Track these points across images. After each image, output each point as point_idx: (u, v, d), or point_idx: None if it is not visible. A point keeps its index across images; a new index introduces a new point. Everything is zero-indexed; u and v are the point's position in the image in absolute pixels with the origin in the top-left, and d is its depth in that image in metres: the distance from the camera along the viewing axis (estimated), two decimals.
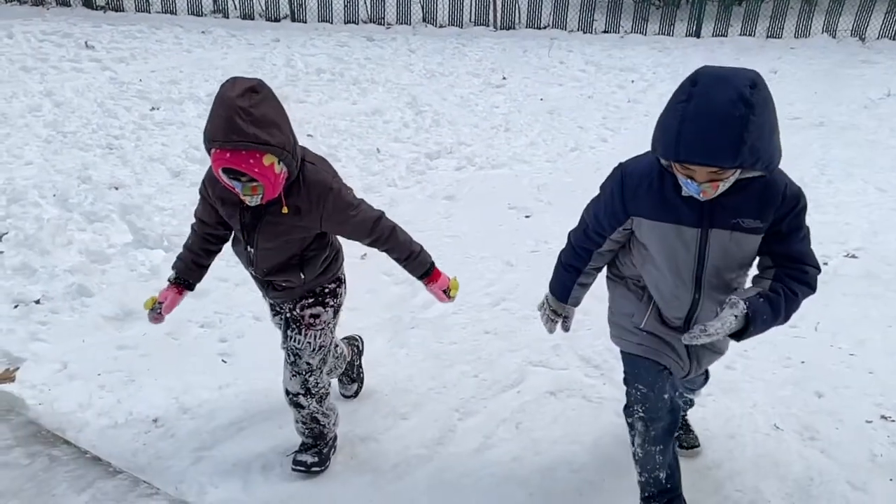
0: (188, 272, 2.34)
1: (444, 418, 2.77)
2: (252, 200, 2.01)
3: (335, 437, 2.56)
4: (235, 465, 2.50)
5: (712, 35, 11.24)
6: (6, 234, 4.04)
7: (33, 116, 6.13)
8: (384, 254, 2.32)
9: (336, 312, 2.39)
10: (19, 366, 2.98)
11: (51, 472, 2.20)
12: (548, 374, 3.07)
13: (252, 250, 2.19)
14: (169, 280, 2.35)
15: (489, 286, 3.81)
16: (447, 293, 2.40)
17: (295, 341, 2.32)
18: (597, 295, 3.65)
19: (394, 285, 3.81)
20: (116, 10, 11.14)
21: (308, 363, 2.34)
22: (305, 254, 2.22)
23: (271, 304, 2.47)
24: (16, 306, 3.39)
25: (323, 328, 2.34)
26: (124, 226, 4.20)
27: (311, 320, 2.32)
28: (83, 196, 4.55)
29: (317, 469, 2.44)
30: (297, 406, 2.40)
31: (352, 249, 4.14)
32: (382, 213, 2.26)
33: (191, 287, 2.36)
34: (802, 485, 2.43)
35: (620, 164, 2.07)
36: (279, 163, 1.95)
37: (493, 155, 5.94)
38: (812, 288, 1.89)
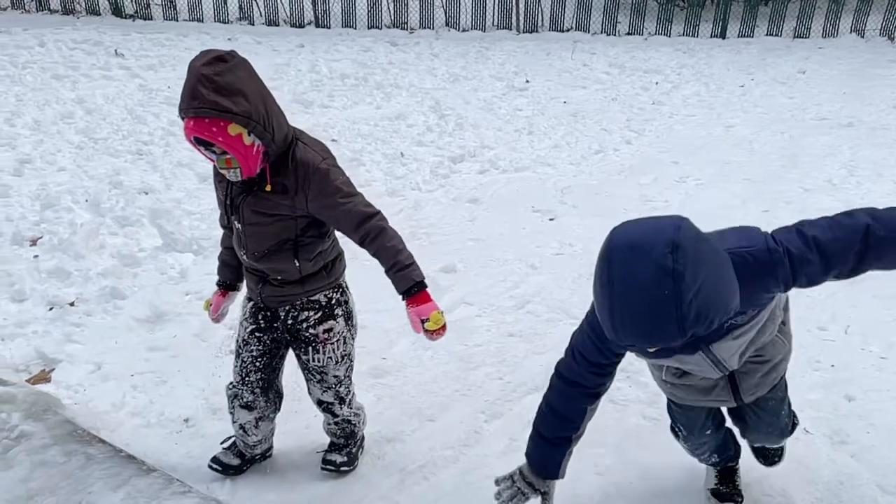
0: (222, 273, 2.39)
1: (470, 420, 2.79)
2: (230, 174, 1.95)
3: (363, 438, 2.59)
4: (264, 465, 2.54)
5: (738, 36, 11.13)
6: (41, 238, 4.15)
7: (65, 123, 6.27)
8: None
9: (348, 320, 2.31)
10: (55, 367, 3.06)
11: (87, 469, 2.25)
12: None
13: (239, 227, 2.11)
14: (216, 284, 2.42)
15: (513, 289, 3.82)
16: (424, 323, 2.08)
17: (316, 361, 2.28)
18: None
19: None
20: (145, 19, 11.35)
21: (336, 376, 2.33)
22: (300, 239, 2.10)
23: (256, 313, 2.29)
24: (51, 308, 3.48)
25: (339, 339, 2.28)
26: (154, 230, 4.29)
27: (326, 335, 2.25)
28: (114, 201, 4.64)
29: (346, 469, 2.47)
30: (331, 413, 2.41)
31: None
32: (378, 212, 2.12)
33: (231, 287, 2.40)
34: (832, 488, 2.40)
35: (587, 317, 1.82)
36: (249, 134, 1.88)
37: (517, 158, 5.94)
38: (868, 218, 1.60)
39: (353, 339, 2.36)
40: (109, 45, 9.16)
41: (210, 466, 2.46)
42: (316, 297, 2.23)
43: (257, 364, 2.31)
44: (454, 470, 2.53)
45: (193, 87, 1.81)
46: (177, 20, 11.34)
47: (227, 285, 2.40)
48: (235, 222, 2.13)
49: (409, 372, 3.10)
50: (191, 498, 2.16)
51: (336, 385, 2.34)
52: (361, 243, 2.11)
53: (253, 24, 11.48)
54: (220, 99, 1.81)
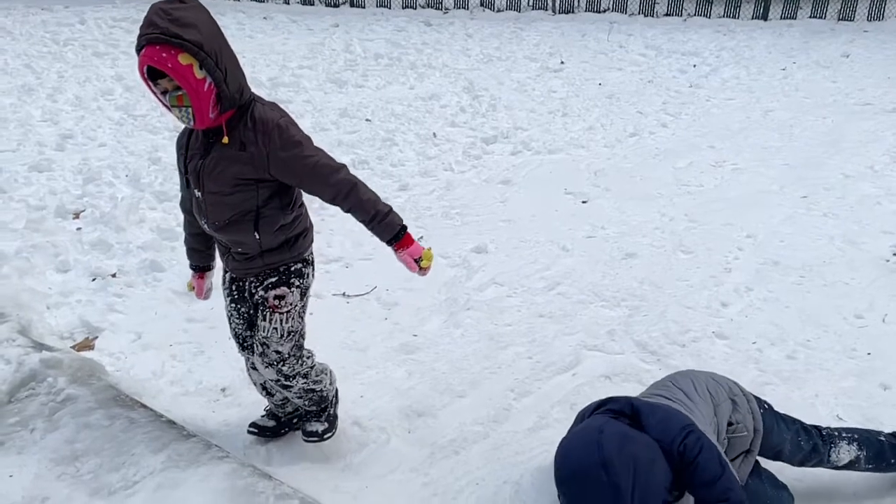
0: (193, 258, 2.44)
1: (500, 397, 2.82)
2: (182, 115, 1.94)
3: (336, 392, 2.52)
4: (298, 433, 2.60)
5: (780, 18, 10.86)
6: (83, 211, 4.27)
7: (105, 100, 6.40)
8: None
9: (303, 295, 2.26)
10: (98, 335, 3.16)
11: (130, 433, 2.34)
12: (603, 358, 3.08)
13: (200, 195, 2.09)
14: (191, 268, 2.47)
15: (544, 270, 3.83)
16: (419, 262, 2.17)
17: (262, 329, 2.22)
18: (653, 281, 3.66)
19: (449, 268, 3.87)
20: None
21: (277, 352, 2.23)
22: (262, 210, 2.08)
23: (230, 284, 2.34)
24: (94, 279, 3.59)
25: (289, 310, 2.22)
26: None
27: (276, 302, 2.20)
28: (153, 176, 4.75)
29: (328, 435, 2.44)
30: (284, 388, 2.35)
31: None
32: (343, 165, 2.08)
33: (206, 268, 2.46)
34: (865, 477, 2.39)
35: None
36: (200, 68, 1.88)
37: (550, 140, 5.91)
38: None
39: (301, 317, 2.28)
40: None
41: (248, 431, 2.53)
42: (275, 266, 2.22)
43: (249, 332, 2.38)
44: (484, 445, 2.57)
45: (150, 19, 1.87)
46: None
47: (201, 268, 2.46)
48: (196, 191, 2.10)
49: (439, 349, 3.14)
50: (228, 463, 2.23)
51: (278, 363, 2.24)
52: (333, 199, 2.09)
53: (288, 3, 11.53)
54: (173, 27, 1.85)
